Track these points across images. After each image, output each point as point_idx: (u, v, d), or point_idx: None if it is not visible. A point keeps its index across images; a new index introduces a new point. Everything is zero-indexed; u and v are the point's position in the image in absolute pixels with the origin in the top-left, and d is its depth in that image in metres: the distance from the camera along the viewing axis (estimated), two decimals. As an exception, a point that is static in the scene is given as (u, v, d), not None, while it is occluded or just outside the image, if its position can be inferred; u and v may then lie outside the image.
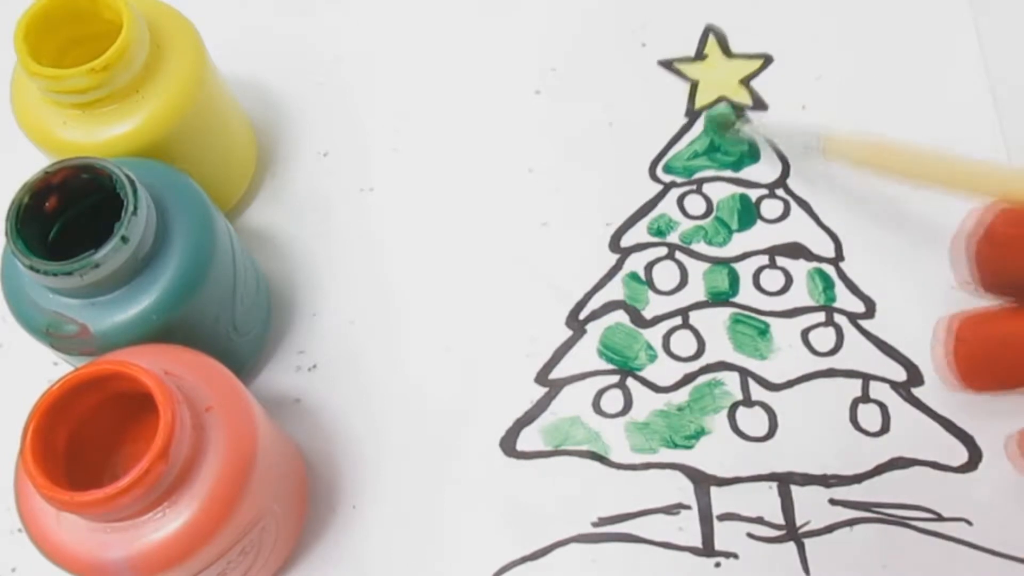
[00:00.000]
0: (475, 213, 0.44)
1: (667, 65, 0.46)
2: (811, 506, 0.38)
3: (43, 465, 0.29)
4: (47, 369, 0.40)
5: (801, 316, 0.41)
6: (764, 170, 0.44)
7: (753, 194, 0.43)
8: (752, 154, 0.44)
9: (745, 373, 0.40)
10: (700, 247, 0.43)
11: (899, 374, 0.40)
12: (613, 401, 0.40)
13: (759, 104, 0.45)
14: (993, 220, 0.33)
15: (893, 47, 0.46)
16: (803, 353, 0.40)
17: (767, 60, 0.46)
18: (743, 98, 0.45)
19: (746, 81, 0.46)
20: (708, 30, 0.47)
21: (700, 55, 0.47)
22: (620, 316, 0.42)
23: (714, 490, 0.38)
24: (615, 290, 0.42)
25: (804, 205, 0.43)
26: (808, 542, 0.37)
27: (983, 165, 0.36)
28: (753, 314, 0.41)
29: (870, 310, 0.41)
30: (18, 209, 0.33)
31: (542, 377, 0.41)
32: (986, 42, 0.46)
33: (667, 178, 0.44)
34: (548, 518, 0.38)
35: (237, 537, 0.32)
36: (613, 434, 0.40)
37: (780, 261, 0.42)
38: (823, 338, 0.41)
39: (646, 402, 0.40)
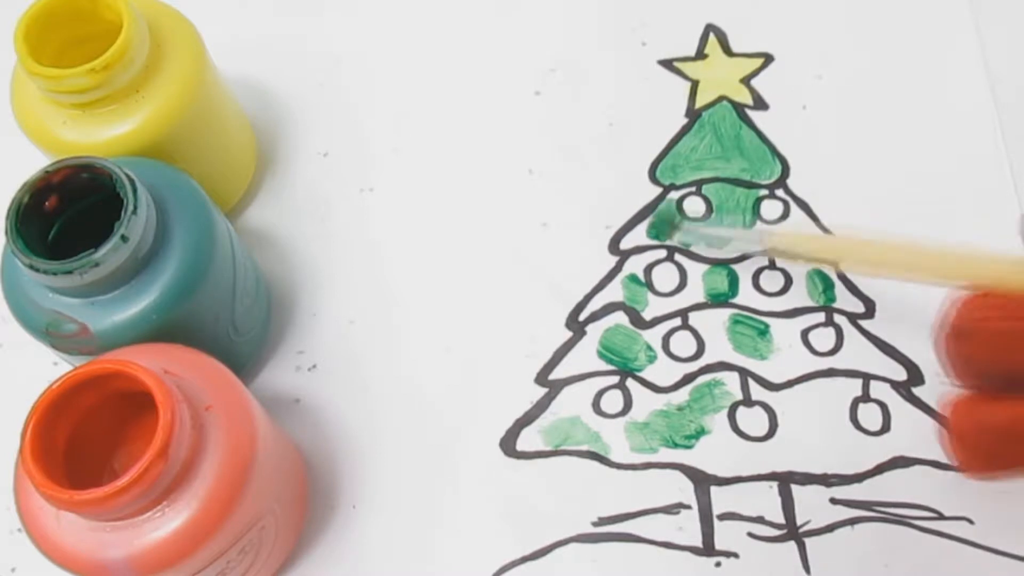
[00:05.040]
0: (475, 213, 0.44)
1: (667, 64, 0.47)
2: (812, 505, 0.38)
3: (43, 464, 0.29)
4: (47, 369, 0.40)
5: (801, 316, 0.41)
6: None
7: (753, 195, 0.43)
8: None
9: (745, 373, 0.40)
10: (699, 248, 0.43)
11: (899, 373, 0.40)
12: (613, 401, 0.40)
13: (760, 103, 0.45)
14: (956, 312, 0.30)
15: (893, 47, 0.46)
16: (803, 353, 0.40)
17: (768, 59, 0.46)
18: (744, 97, 0.45)
19: (747, 80, 0.46)
20: (709, 29, 0.47)
21: (700, 54, 0.47)
22: (620, 317, 0.42)
23: (714, 490, 0.38)
24: (615, 292, 0.42)
25: (804, 205, 0.43)
26: (809, 541, 0.37)
27: (934, 252, 0.34)
28: (753, 314, 0.41)
29: (870, 310, 0.41)
30: (18, 208, 0.33)
31: (542, 377, 0.41)
32: (986, 42, 0.46)
33: (667, 180, 0.44)
34: (548, 518, 0.38)
35: (237, 536, 0.32)
36: (613, 434, 0.39)
37: (780, 262, 0.42)
38: (823, 338, 0.41)
39: (646, 402, 0.40)
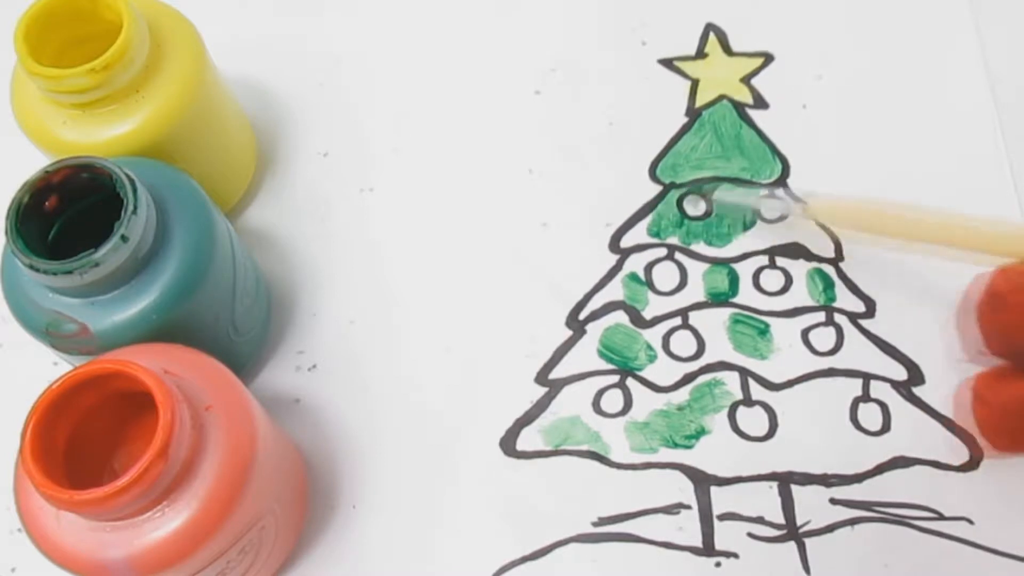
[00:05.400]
0: (475, 213, 0.44)
1: (667, 64, 0.47)
2: (812, 505, 0.38)
3: (43, 464, 0.29)
4: (47, 369, 0.40)
5: (801, 316, 0.41)
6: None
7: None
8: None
9: (745, 373, 0.40)
10: (700, 248, 0.43)
11: (899, 373, 0.40)
12: (613, 401, 0.40)
13: (760, 103, 0.45)
14: (993, 281, 0.31)
15: (893, 47, 0.46)
16: (803, 353, 0.40)
17: (768, 58, 0.46)
18: (744, 96, 0.45)
19: (747, 79, 0.46)
20: (708, 28, 0.47)
21: (701, 53, 0.47)
22: (620, 316, 0.42)
23: (714, 490, 0.38)
24: (615, 290, 0.42)
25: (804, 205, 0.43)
26: (809, 542, 0.37)
27: (978, 224, 0.33)
28: (753, 314, 0.41)
29: (870, 310, 0.41)
30: (18, 208, 0.33)
31: (542, 377, 0.41)
32: (986, 42, 0.46)
33: (667, 178, 0.44)
34: (548, 518, 0.38)
35: (237, 536, 0.32)
36: (613, 434, 0.39)
37: (780, 261, 0.42)
38: (823, 338, 0.41)
39: (646, 402, 0.40)
